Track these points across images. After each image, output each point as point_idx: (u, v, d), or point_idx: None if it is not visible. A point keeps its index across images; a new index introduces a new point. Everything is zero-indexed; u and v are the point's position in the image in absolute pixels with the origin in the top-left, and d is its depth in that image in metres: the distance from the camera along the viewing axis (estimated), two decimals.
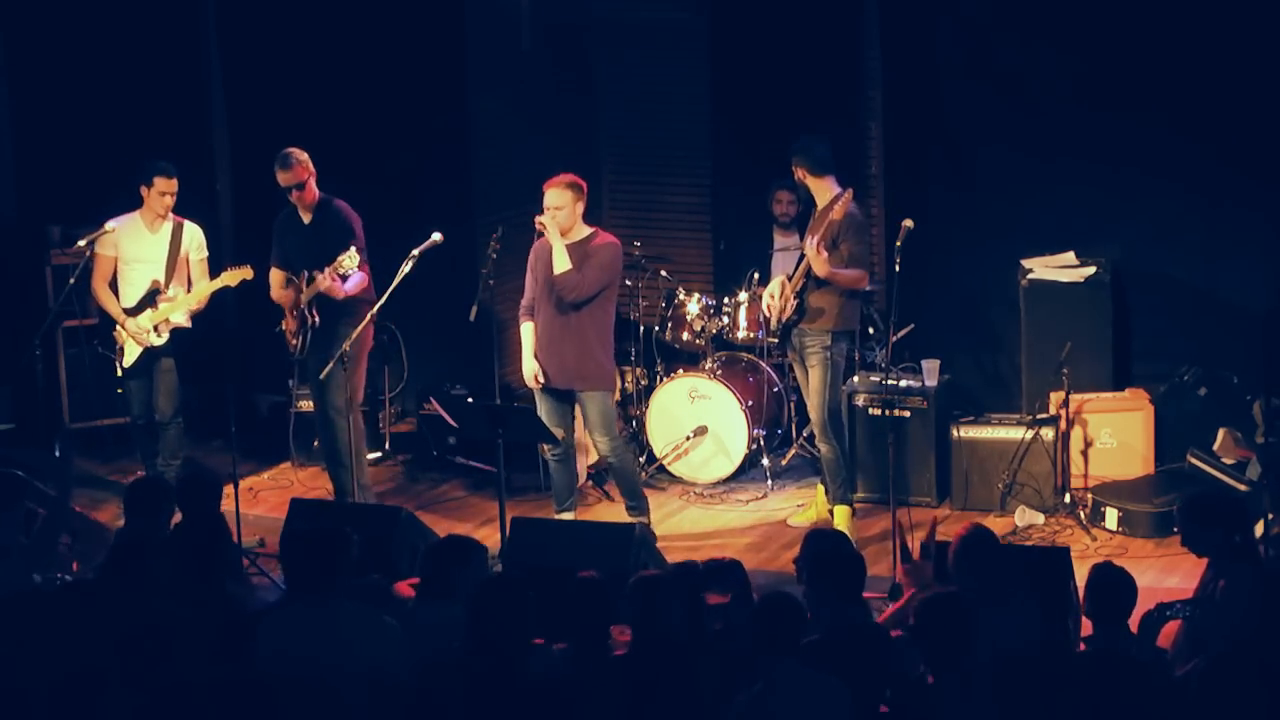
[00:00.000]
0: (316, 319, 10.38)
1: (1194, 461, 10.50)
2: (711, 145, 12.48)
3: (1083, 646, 7.17)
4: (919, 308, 11.09)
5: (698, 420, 11.34)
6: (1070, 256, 11.04)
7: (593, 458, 11.02)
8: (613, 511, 10.79)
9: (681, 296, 11.54)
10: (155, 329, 10.66)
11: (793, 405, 11.60)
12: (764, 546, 10.35)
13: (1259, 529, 9.73)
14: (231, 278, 10.55)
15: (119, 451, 11.99)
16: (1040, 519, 10.49)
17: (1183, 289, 11.01)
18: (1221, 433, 10.53)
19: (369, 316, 10.23)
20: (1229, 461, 10.38)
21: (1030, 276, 11.01)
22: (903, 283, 9.94)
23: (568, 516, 10.26)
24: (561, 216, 9.96)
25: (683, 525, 10.74)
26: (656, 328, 11.72)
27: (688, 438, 11.35)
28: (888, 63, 11.62)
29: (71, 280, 10.78)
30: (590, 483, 11.04)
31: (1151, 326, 11.12)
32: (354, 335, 10.19)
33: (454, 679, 6.50)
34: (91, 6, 12.28)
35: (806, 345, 10.19)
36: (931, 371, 10.92)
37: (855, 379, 11.11)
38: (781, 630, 6.51)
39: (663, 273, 11.85)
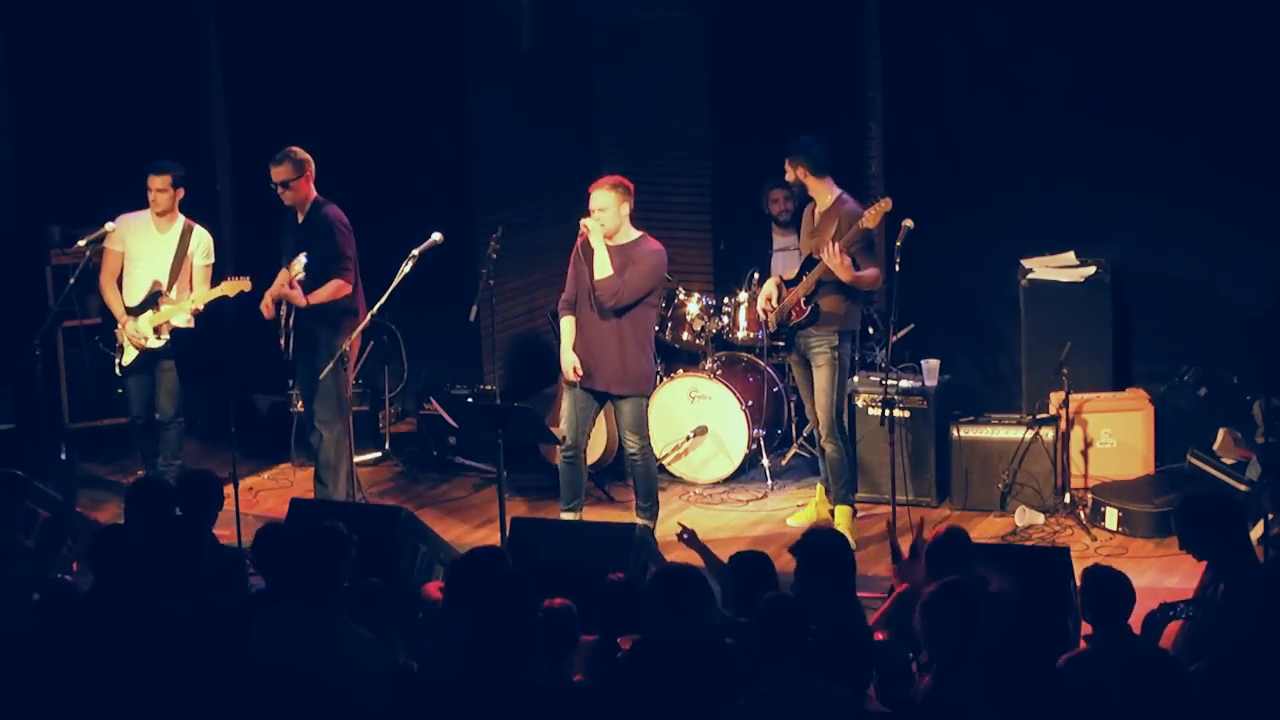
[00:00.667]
0: (288, 322, 10.42)
1: (1194, 461, 10.49)
2: (711, 145, 12.48)
3: (1083, 645, 7.16)
4: (919, 308, 11.09)
5: (698, 420, 11.34)
6: (1070, 256, 11.03)
7: (593, 457, 11.01)
8: (613, 511, 10.79)
9: (681, 296, 11.54)
10: (156, 331, 10.66)
11: (793, 405, 11.59)
12: (764, 546, 10.31)
13: (1259, 529, 9.74)
14: (230, 288, 10.54)
15: (119, 451, 11.99)
16: (1040, 519, 10.49)
17: (1183, 289, 11.00)
18: (1221, 433, 10.53)
19: (359, 327, 10.21)
20: (1229, 461, 10.38)
21: (1030, 276, 11.01)
22: (903, 283, 9.96)
23: (571, 517, 10.25)
24: (606, 218, 9.88)
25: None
26: (657, 328, 11.70)
27: (688, 438, 11.35)
28: (888, 63, 11.62)
29: (71, 280, 10.78)
30: (590, 483, 11.02)
31: (1151, 326, 11.12)
32: (352, 337, 10.20)
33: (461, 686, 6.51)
34: (91, 6, 12.27)
35: (813, 346, 10.17)
36: (931, 371, 10.92)
37: (855, 379, 11.11)
38: (783, 634, 6.51)
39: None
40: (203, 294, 10.65)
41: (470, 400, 11.52)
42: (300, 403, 11.56)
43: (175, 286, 10.71)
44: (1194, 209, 10.86)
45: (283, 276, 10.21)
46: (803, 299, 10.11)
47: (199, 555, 7.48)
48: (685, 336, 11.54)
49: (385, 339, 11.98)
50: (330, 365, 10.20)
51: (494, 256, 10.37)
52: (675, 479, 11.40)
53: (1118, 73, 10.85)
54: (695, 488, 11.31)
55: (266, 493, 11.44)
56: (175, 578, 7.28)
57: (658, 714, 6.38)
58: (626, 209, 9.93)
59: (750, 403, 11.30)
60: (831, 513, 10.36)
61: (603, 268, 9.87)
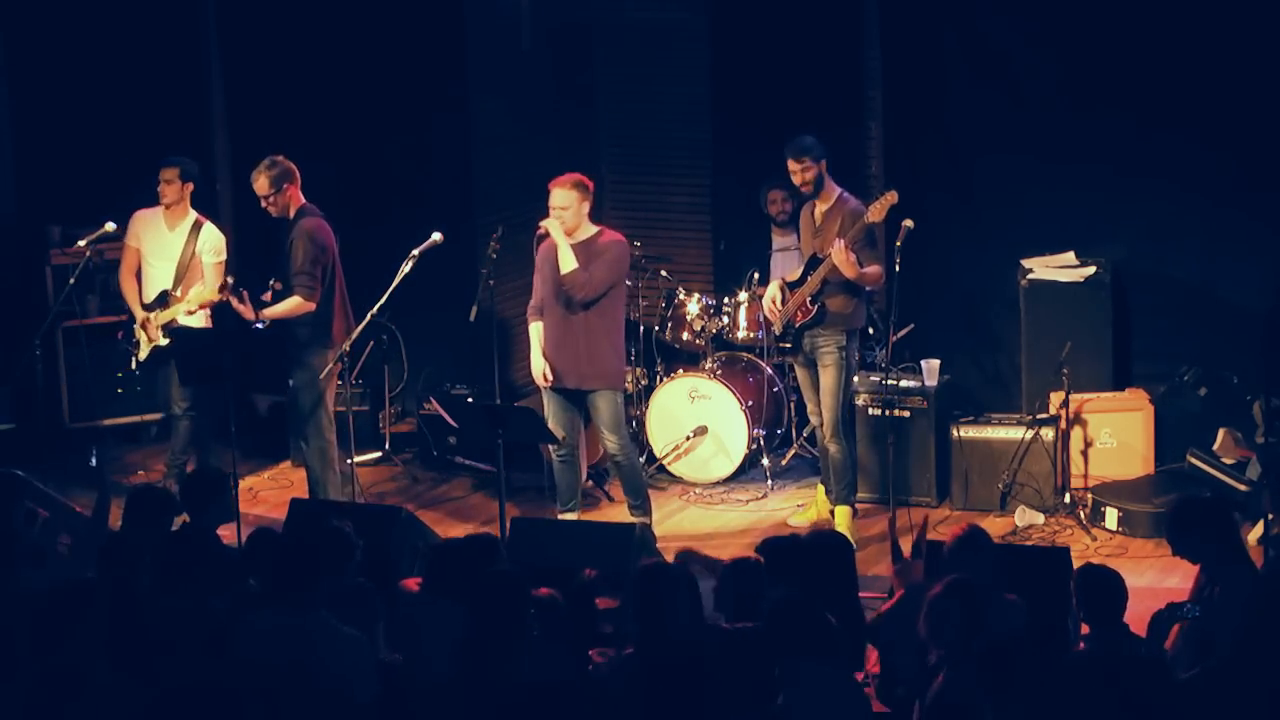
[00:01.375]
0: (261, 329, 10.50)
1: (1194, 461, 10.50)
2: (711, 145, 12.48)
3: (1081, 645, 7.17)
4: (919, 308, 11.09)
5: (698, 420, 11.34)
6: (1070, 256, 11.03)
7: (592, 457, 11.01)
8: (613, 511, 10.79)
9: (681, 296, 11.54)
10: (162, 329, 10.68)
11: (793, 405, 11.59)
12: None
13: (1259, 529, 9.74)
14: (214, 294, 10.56)
15: (119, 451, 12.01)
16: (1040, 519, 10.49)
17: (1183, 289, 11.01)
18: (1221, 433, 10.53)
19: (338, 346, 10.20)
20: (1229, 461, 10.38)
21: (1030, 276, 11.01)
22: (903, 283, 9.96)
23: (571, 516, 10.25)
24: (567, 216, 9.93)
25: (683, 525, 10.73)
26: (656, 328, 11.72)
27: (688, 438, 11.35)
28: (888, 63, 11.62)
29: (71, 280, 10.79)
30: (590, 482, 11.03)
31: (1151, 326, 11.12)
32: (329, 356, 10.20)
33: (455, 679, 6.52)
34: (91, 6, 12.27)
35: (820, 346, 10.17)
36: (931, 371, 10.92)
37: (855, 379, 11.11)
38: (797, 632, 6.52)
39: (663, 273, 11.85)
40: (197, 294, 10.63)
41: (470, 400, 11.52)
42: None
43: (183, 284, 10.72)
44: (1194, 209, 10.86)
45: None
46: (809, 299, 10.10)
47: (202, 560, 7.48)
48: (685, 336, 11.55)
49: (385, 339, 11.98)
50: (339, 355, 10.21)
51: (494, 256, 10.38)
52: (675, 479, 11.41)
53: (1118, 73, 10.85)
54: (695, 488, 11.31)
55: (266, 492, 11.44)
56: (176, 582, 7.28)
57: (649, 713, 6.38)
58: (586, 207, 9.99)
59: (750, 403, 11.30)
60: (831, 513, 10.36)
61: (567, 262, 9.90)
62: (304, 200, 10.38)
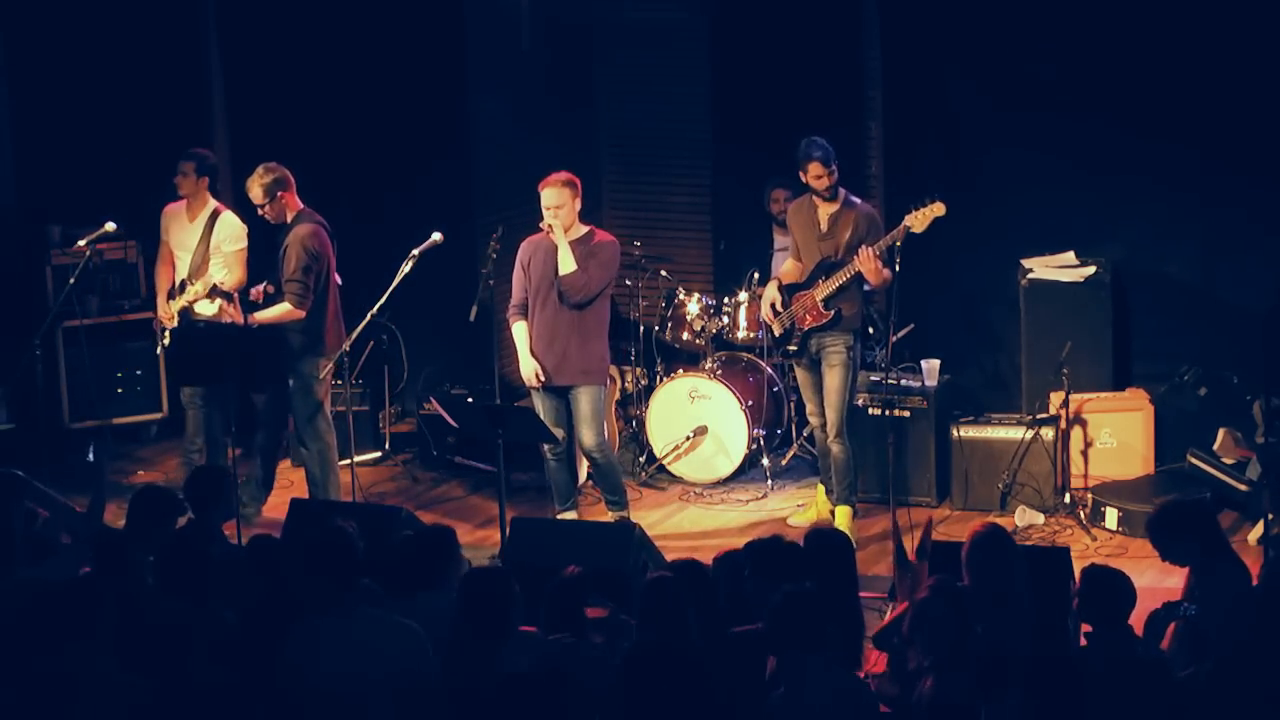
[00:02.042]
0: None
1: (1194, 461, 10.50)
2: (711, 145, 12.49)
3: (1083, 643, 7.17)
4: (919, 308, 11.08)
5: (698, 420, 11.34)
6: (1070, 256, 11.04)
7: None
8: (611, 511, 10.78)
9: (681, 296, 11.54)
10: (176, 316, 10.71)
11: (793, 405, 11.59)
12: None
13: (1259, 529, 9.74)
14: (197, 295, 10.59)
15: (119, 451, 12.01)
16: (1040, 519, 10.49)
17: (1183, 289, 11.01)
18: (1221, 433, 10.53)
19: (331, 353, 10.20)
20: (1229, 461, 10.38)
21: (1030, 276, 11.01)
22: (903, 283, 9.95)
23: (570, 515, 10.25)
24: (563, 215, 9.95)
25: (683, 525, 10.74)
26: (656, 328, 11.72)
27: (688, 438, 11.35)
28: (888, 63, 11.62)
29: (71, 280, 10.79)
30: (590, 482, 11.02)
31: (1151, 326, 11.12)
32: (349, 339, 10.20)
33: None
34: (91, 6, 12.27)
35: (828, 347, 10.15)
36: (931, 371, 10.92)
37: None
38: (803, 626, 6.53)
39: (663, 273, 11.85)
40: (203, 284, 10.60)
41: (470, 400, 11.52)
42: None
43: (197, 274, 10.73)
44: (1194, 209, 10.86)
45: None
46: (822, 304, 10.07)
47: (207, 557, 7.48)
48: (685, 336, 11.55)
49: (385, 339, 11.97)
50: (338, 355, 10.22)
51: (494, 256, 10.38)
52: (675, 479, 11.41)
53: (1118, 73, 10.85)
54: (695, 488, 11.31)
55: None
56: (181, 580, 7.29)
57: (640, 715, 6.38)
58: (578, 204, 10.01)
59: (750, 403, 11.29)
60: (832, 513, 10.36)
61: (567, 263, 9.92)
62: (301, 205, 10.37)
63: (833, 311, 10.07)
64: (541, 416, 10.03)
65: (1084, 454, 10.72)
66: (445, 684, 6.63)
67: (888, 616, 7.78)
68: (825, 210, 10.14)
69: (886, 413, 10.48)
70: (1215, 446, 10.50)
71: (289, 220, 10.32)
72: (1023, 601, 7.41)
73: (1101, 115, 10.91)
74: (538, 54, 12.65)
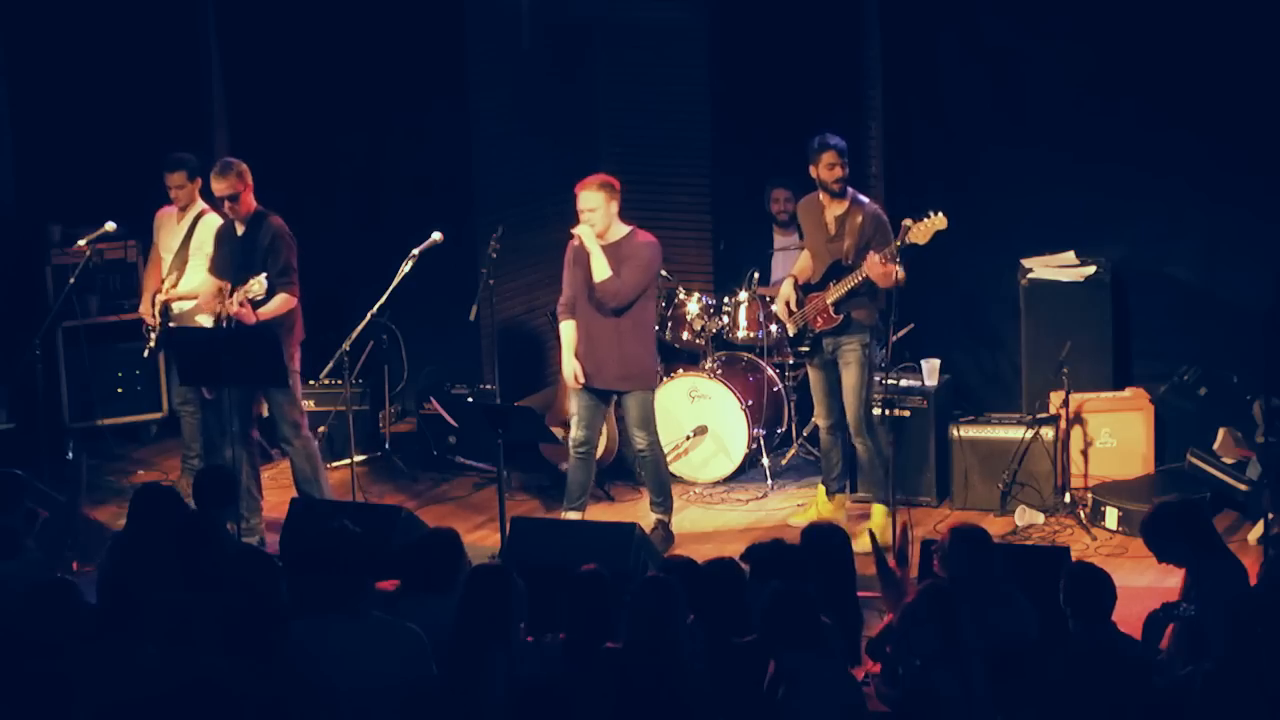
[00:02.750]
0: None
1: (1194, 461, 10.49)
2: (711, 145, 12.48)
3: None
4: (919, 308, 11.08)
5: (698, 420, 11.34)
6: (1070, 256, 11.04)
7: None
8: (613, 511, 10.79)
9: (681, 296, 11.53)
10: (157, 316, 10.72)
11: (793, 405, 11.60)
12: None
13: (1259, 529, 9.74)
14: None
15: (119, 451, 12.01)
16: (1040, 519, 10.49)
17: (1183, 289, 11.01)
18: (1221, 433, 10.52)
19: (298, 341, 10.17)
20: (1229, 461, 10.38)
21: (1030, 276, 11.01)
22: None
23: (574, 515, 10.25)
24: (596, 219, 9.87)
25: (683, 525, 10.72)
26: (656, 327, 11.70)
27: (688, 437, 11.34)
28: (888, 62, 11.61)
29: (71, 280, 10.79)
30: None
31: (1151, 326, 11.12)
32: (348, 340, 10.18)
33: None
34: (91, 6, 12.27)
35: (842, 346, 10.12)
36: (931, 371, 10.92)
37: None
38: (795, 624, 6.53)
39: (663, 273, 11.82)
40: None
41: (470, 400, 11.52)
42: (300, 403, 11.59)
43: (176, 273, 10.73)
44: (1194, 209, 10.86)
45: (229, 304, 10.04)
46: (832, 307, 10.05)
47: (215, 552, 7.49)
48: (685, 336, 11.54)
49: (385, 339, 11.97)
50: (339, 354, 10.21)
51: (494, 256, 10.38)
52: (675, 479, 11.36)
53: (1118, 72, 10.85)
54: (695, 487, 11.31)
55: (266, 492, 11.40)
56: (189, 574, 7.30)
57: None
58: (615, 207, 9.92)
59: (750, 403, 11.30)
60: (830, 511, 10.35)
61: (601, 270, 9.87)
62: (256, 203, 10.33)
63: (842, 315, 10.03)
64: (576, 411, 10.03)
65: (1084, 454, 10.72)
66: (447, 683, 6.62)
67: (878, 626, 7.75)
68: (832, 211, 10.09)
69: (886, 413, 10.47)
70: (1215, 446, 10.50)
71: (249, 216, 10.24)
72: (1013, 598, 7.41)
73: (1102, 115, 10.91)
74: (538, 54, 12.64)
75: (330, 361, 10.49)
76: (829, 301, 10.06)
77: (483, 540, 10.28)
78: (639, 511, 10.64)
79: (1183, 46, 10.64)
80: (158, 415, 12.13)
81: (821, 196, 10.12)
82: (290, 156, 12.16)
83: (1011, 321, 11.18)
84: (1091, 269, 10.94)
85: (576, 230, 9.90)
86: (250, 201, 10.24)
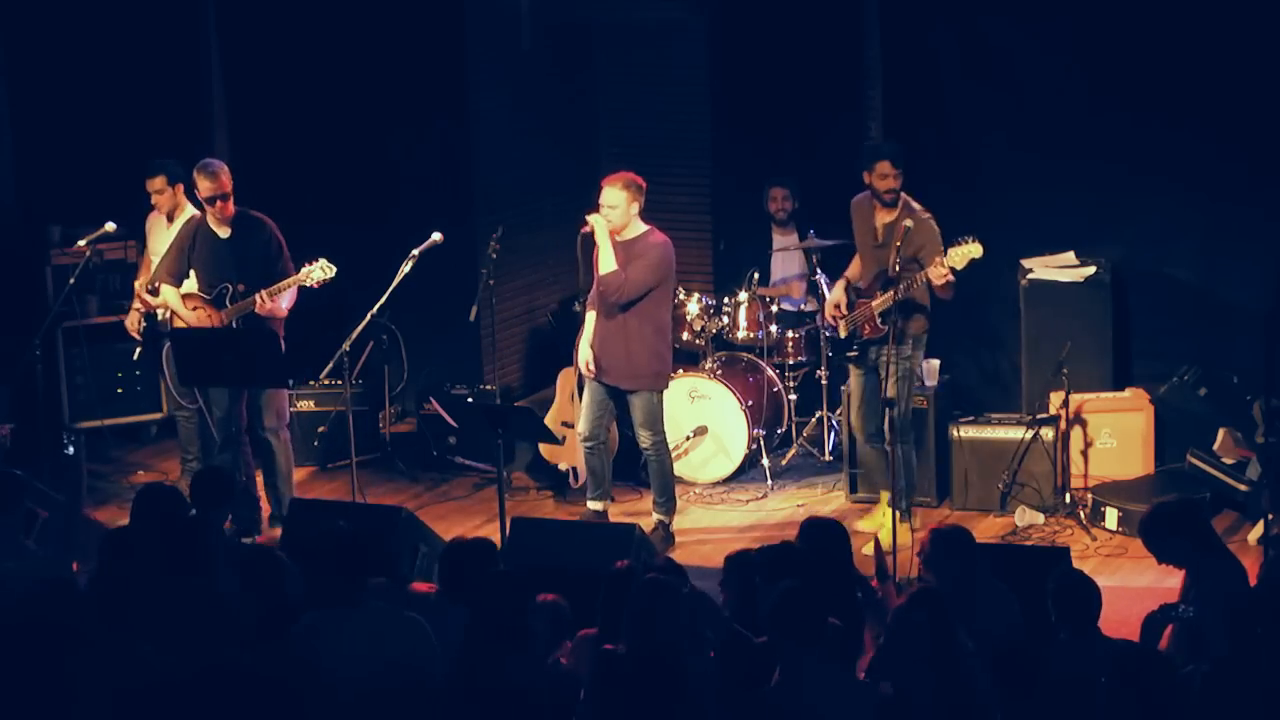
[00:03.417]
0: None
1: (1194, 461, 10.49)
2: (711, 145, 12.48)
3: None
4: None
5: (698, 420, 11.34)
6: (1070, 256, 11.03)
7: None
8: (613, 511, 10.77)
9: (681, 296, 11.52)
10: (153, 321, 10.73)
11: (792, 405, 11.60)
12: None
13: (1259, 529, 9.74)
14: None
15: (119, 451, 12.01)
16: (1040, 519, 10.49)
17: (1183, 289, 11.01)
18: (1221, 433, 10.52)
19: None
20: (1229, 461, 10.37)
21: (1030, 276, 11.01)
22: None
23: (598, 506, 10.26)
24: (615, 215, 9.89)
25: (683, 525, 10.72)
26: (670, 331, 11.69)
27: (688, 438, 11.34)
28: (888, 62, 11.61)
29: (71, 280, 10.79)
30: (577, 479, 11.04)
31: (1151, 326, 11.12)
32: (348, 340, 10.19)
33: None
34: (91, 6, 12.27)
35: (889, 357, 9.99)
36: (931, 371, 10.92)
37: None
38: (799, 623, 6.53)
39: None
40: (164, 295, 10.61)
41: (470, 400, 11.52)
42: (300, 402, 11.59)
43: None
44: (1194, 209, 10.86)
45: (260, 302, 10.00)
46: (879, 318, 9.99)
47: (207, 550, 7.50)
48: (685, 336, 11.54)
49: (385, 339, 11.97)
50: (339, 354, 10.21)
51: (494, 256, 10.39)
52: (675, 479, 11.38)
53: (1118, 73, 10.85)
54: (695, 488, 11.31)
55: (266, 491, 11.41)
56: (181, 570, 7.31)
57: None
58: (636, 208, 9.93)
59: (750, 403, 11.29)
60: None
61: (606, 263, 9.88)
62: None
63: (888, 326, 9.90)
64: (589, 403, 10.09)
65: (1084, 454, 10.72)
66: (458, 687, 6.61)
67: (869, 655, 7.71)
68: (882, 217, 10.01)
69: (886, 412, 10.45)
70: (1215, 446, 10.50)
71: (234, 217, 10.19)
72: (997, 593, 7.41)
73: (1102, 115, 10.91)
74: (538, 54, 12.64)
75: (330, 361, 10.47)
76: (876, 311, 9.99)
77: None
78: (639, 511, 10.64)
79: (1183, 47, 10.64)
80: (157, 415, 12.12)
81: (874, 201, 10.04)
82: (290, 157, 12.17)
83: (1011, 321, 11.18)
84: (1091, 269, 10.94)
85: (591, 218, 9.90)
86: (233, 202, 10.23)
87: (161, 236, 10.87)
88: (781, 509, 10.93)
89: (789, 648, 6.55)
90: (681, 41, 12.67)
